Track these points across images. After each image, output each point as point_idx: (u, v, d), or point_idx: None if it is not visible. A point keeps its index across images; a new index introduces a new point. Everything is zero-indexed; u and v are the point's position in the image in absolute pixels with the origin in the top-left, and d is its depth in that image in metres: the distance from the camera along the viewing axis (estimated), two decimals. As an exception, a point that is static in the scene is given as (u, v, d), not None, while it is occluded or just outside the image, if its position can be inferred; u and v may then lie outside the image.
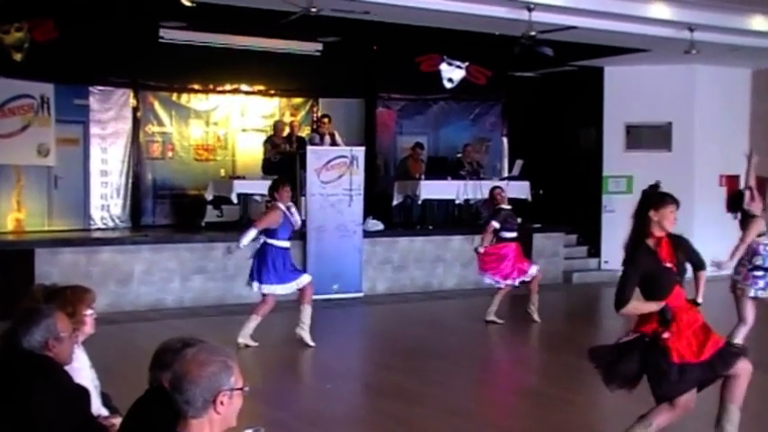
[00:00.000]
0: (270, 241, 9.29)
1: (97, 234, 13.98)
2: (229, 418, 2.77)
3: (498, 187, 11.67)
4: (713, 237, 16.19)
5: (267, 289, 9.33)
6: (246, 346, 9.36)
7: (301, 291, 9.60)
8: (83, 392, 3.61)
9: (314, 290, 12.73)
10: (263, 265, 9.28)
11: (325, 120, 14.38)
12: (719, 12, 12.49)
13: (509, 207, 11.44)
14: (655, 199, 5.33)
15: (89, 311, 4.15)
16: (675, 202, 5.28)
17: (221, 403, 2.70)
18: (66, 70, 13.74)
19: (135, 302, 12.01)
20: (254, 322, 9.48)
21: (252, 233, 9.25)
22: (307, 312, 9.64)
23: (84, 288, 4.27)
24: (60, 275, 10.44)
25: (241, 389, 2.77)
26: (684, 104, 16.33)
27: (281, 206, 9.30)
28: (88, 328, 4.15)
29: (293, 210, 9.50)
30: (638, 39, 13.42)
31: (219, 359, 2.73)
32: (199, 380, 2.67)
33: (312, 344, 9.52)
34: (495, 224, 11.13)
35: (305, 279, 9.57)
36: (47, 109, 13.90)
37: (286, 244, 9.39)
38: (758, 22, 13.01)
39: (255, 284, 9.37)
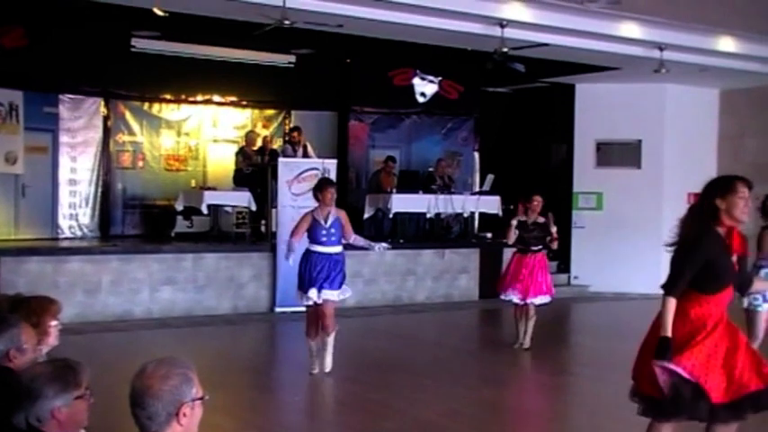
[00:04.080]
0: (308, 246, 8.79)
1: (65, 243, 13.84)
2: (191, 429, 2.76)
3: (536, 194, 10.58)
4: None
5: (312, 297, 8.62)
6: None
7: (324, 311, 8.70)
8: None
9: (283, 302, 12.85)
10: (301, 271, 8.72)
11: (295, 133, 14.34)
12: (689, 32, 12.66)
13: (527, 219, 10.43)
14: (721, 184, 4.68)
15: (54, 322, 4.10)
16: (748, 185, 4.64)
17: (184, 415, 2.68)
18: (35, 78, 13.63)
19: (102, 313, 11.89)
20: (311, 346, 8.88)
21: (293, 243, 8.76)
22: (329, 344, 8.84)
23: (49, 299, 4.22)
24: (26, 285, 10.33)
25: (202, 398, 2.76)
26: (654, 123, 16.51)
27: (312, 212, 8.74)
28: (52, 339, 4.10)
29: (332, 217, 8.73)
30: (609, 57, 13.56)
31: (180, 372, 2.71)
32: (161, 394, 2.65)
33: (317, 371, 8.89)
34: (514, 222, 10.39)
35: (330, 295, 8.66)
36: (15, 116, 13.76)
37: (323, 249, 8.67)
38: (726, 43, 13.20)
39: (299, 294, 8.76)
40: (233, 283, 12.94)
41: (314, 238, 8.72)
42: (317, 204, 8.86)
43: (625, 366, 10.22)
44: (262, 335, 12.37)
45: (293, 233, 8.84)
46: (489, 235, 15.90)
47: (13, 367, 3.49)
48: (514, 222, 10.43)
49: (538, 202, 10.43)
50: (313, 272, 8.62)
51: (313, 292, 8.59)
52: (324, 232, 8.66)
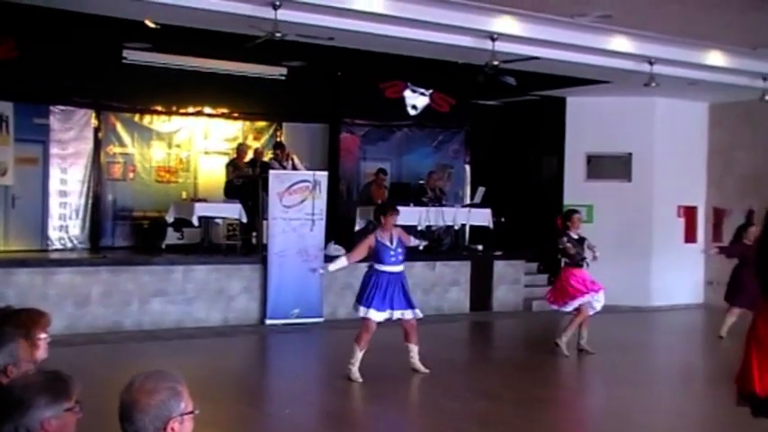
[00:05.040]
0: (375, 266, 9.25)
1: (55, 255, 13.79)
2: None
3: (576, 212, 11.27)
4: (671, 267, 16.51)
5: (362, 311, 9.18)
6: (349, 379, 9.16)
7: (405, 327, 9.40)
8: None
9: (273, 314, 12.84)
10: (364, 287, 9.24)
11: (278, 151, 14.32)
12: (678, 46, 12.72)
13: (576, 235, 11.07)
14: None
15: (43, 335, 4.07)
16: None
17: (172, 430, 2.67)
18: (26, 89, 13.60)
19: (92, 325, 11.84)
20: (357, 353, 9.23)
21: (342, 262, 9.34)
22: (413, 350, 9.49)
23: (39, 311, 4.19)
24: (16, 297, 10.28)
25: (192, 412, 2.75)
26: (644, 136, 16.58)
27: (375, 236, 9.22)
28: (41, 352, 4.07)
29: (395, 237, 9.25)
30: (600, 70, 13.62)
31: (168, 386, 2.70)
32: (148, 408, 2.64)
33: (425, 370, 9.44)
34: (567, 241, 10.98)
35: (406, 314, 9.27)
36: (5, 127, 13.73)
37: (390, 268, 9.18)
38: (715, 58, 13.28)
39: (360, 308, 9.21)
40: (223, 296, 12.90)
41: (381, 260, 9.18)
42: (380, 227, 9.36)
43: (615, 379, 10.23)
44: (252, 347, 12.34)
45: (351, 254, 9.39)
46: (480, 247, 15.92)
47: (4, 381, 3.47)
48: (569, 244, 10.98)
49: (578, 216, 11.13)
50: (384, 291, 9.11)
51: (380, 314, 9.11)
52: (392, 253, 9.19)
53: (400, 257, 9.26)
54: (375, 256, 9.22)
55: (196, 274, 12.77)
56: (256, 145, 15.94)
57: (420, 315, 9.46)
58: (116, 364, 9.73)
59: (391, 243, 9.20)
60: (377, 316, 9.11)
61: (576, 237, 11.06)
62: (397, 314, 9.21)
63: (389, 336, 12.74)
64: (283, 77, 15.78)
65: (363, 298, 9.16)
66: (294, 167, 13.82)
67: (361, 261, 9.59)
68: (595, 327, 11.72)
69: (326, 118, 16.73)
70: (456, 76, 14.44)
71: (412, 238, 9.95)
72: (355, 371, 9.11)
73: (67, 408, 2.90)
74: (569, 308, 11.07)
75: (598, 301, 10.99)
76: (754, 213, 9.82)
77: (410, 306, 9.30)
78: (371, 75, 15.50)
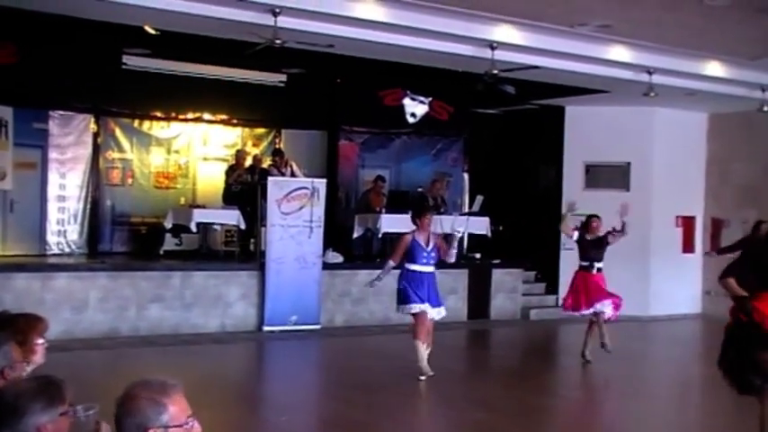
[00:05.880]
0: (406, 265, 9.54)
1: (53, 260, 13.78)
2: None
3: (596, 216, 11.32)
4: (669, 276, 16.50)
5: (415, 308, 9.42)
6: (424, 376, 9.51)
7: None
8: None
9: (271, 321, 12.84)
10: (403, 287, 9.50)
11: (277, 158, 14.34)
12: (677, 56, 12.75)
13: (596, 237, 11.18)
14: None
15: (40, 341, 4.06)
16: None
17: None
18: (26, 94, 13.62)
19: (89, 330, 11.83)
20: (420, 349, 9.55)
21: (390, 264, 9.67)
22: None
23: (36, 316, 4.18)
24: (13, 301, 10.26)
25: (180, 426, 2.69)
26: (643, 146, 16.59)
27: (412, 236, 9.51)
28: (38, 357, 4.05)
29: (431, 241, 9.57)
30: (599, 80, 13.63)
31: (148, 395, 2.67)
32: (128, 414, 2.65)
33: (423, 377, 9.52)
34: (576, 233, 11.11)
35: (430, 312, 9.54)
36: (5, 132, 13.74)
37: (422, 268, 9.50)
38: (713, 68, 13.30)
39: (410, 306, 9.48)
40: (221, 302, 12.89)
41: (414, 259, 9.47)
42: (413, 228, 9.64)
43: (614, 389, 10.22)
44: (249, 354, 12.32)
45: (393, 256, 9.66)
46: (478, 255, 15.91)
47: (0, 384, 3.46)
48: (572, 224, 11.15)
49: (597, 222, 11.22)
50: (418, 288, 9.41)
51: (425, 306, 9.44)
52: (425, 254, 9.48)
53: (432, 260, 9.54)
54: (408, 255, 9.47)
55: (194, 280, 12.76)
56: (255, 151, 15.97)
57: (444, 313, 9.78)
58: (112, 369, 9.71)
59: (427, 245, 9.49)
60: (427, 309, 9.42)
61: (591, 237, 11.07)
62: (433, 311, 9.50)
63: (387, 343, 12.74)
64: (282, 84, 15.80)
65: (409, 297, 9.39)
66: (293, 174, 13.84)
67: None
68: (594, 336, 11.73)
69: (325, 125, 16.75)
70: (455, 84, 14.45)
71: (452, 252, 9.81)
72: (424, 365, 9.46)
73: (62, 412, 2.90)
74: (579, 313, 11.08)
75: (606, 307, 10.99)
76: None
77: (438, 304, 9.65)
78: (370, 82, 15.51)
